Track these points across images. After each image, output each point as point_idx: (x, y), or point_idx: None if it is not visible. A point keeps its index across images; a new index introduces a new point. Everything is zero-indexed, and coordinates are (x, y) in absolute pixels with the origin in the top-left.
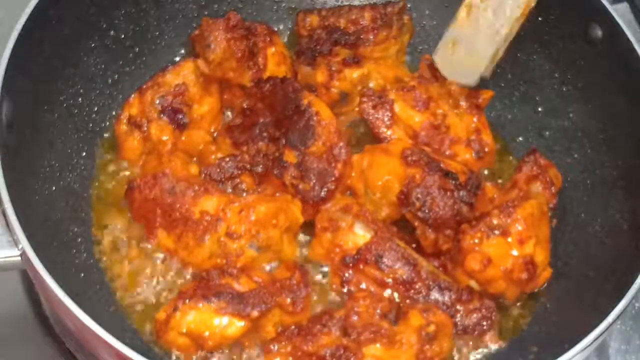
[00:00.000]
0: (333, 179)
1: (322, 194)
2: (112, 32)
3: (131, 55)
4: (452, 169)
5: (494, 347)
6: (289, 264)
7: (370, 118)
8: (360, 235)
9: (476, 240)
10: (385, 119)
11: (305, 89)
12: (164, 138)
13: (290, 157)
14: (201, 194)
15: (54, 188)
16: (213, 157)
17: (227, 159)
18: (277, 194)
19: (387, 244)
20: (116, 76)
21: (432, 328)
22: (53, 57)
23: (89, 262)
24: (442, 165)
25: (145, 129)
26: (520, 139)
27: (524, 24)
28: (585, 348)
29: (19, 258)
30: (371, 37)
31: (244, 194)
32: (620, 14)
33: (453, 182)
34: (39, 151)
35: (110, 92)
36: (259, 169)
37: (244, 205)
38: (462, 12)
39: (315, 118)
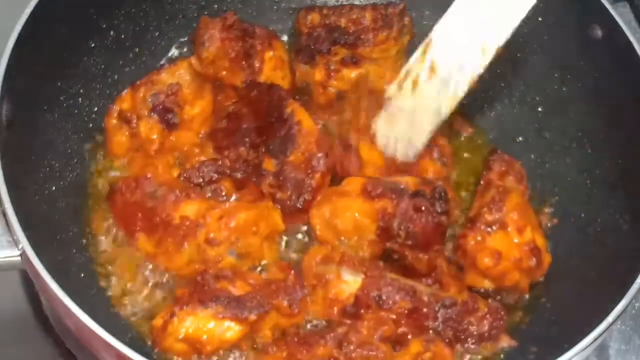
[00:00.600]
0: (310, 189)
1: (299, 204)
2: (112, 32)
3: (131, 55)
4: (413, 186)
5: (506, 345)
6: (282, 265)
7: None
8: (351, 281)
9: (479, 238)
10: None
11: (303, 87)
12: (153, 137)
13: (270, 165)
14: (182, 199)
15: (54, 188)
16: (196, 159)
17: (207, 163)
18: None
19: (381, 281)
20: (116, 76)
21: (428, 355)
22: (53, 57)
23: (89, 262)
24: (403, 186)
25: (135, 125)
26: (520, 139)
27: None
28: (585, 348)
29: (19, 258)
30: (371, 37)
31: (223, 199)
32: (620, 13)
33: (423, 198)
34: (39, 151)
35: (110, 93)
36: (239, 175)
37: (224, 211)
38: (408, 85)
39: (296, 127)
